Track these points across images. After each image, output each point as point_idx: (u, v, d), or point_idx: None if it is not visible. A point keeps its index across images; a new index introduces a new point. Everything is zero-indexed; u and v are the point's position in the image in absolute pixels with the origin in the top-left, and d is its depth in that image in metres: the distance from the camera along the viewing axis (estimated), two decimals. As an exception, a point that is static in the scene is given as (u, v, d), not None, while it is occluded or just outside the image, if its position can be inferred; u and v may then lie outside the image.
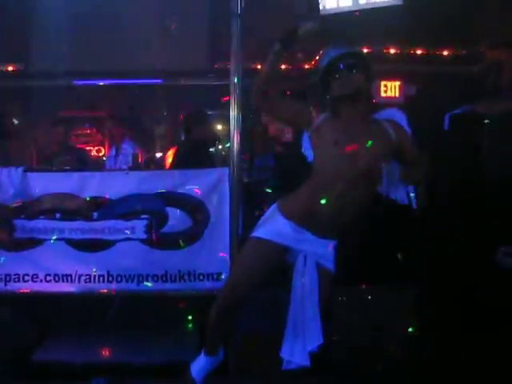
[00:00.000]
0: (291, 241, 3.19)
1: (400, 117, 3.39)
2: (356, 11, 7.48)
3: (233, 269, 3.50)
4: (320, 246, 3.21)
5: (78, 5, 8.15)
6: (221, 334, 3.47)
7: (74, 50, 8.26)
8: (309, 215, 3.16)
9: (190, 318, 4.64)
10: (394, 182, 3.38)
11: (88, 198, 4.50)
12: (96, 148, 9.24)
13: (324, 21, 7.45)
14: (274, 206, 3.32)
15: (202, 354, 3.46)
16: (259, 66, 8.08)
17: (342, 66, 3.23)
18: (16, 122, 9.20)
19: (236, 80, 3.80)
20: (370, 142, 3.16)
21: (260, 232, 3.24)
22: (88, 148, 9.10)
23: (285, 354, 3.18)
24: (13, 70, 8.82)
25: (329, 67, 3.27)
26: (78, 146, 8.54)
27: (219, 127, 9.39)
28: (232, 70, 3.83)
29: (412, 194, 3.41)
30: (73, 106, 9.06)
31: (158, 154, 9.43)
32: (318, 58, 3.38)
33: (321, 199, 3.12)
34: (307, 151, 3.37)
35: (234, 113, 3.87)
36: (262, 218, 3.33)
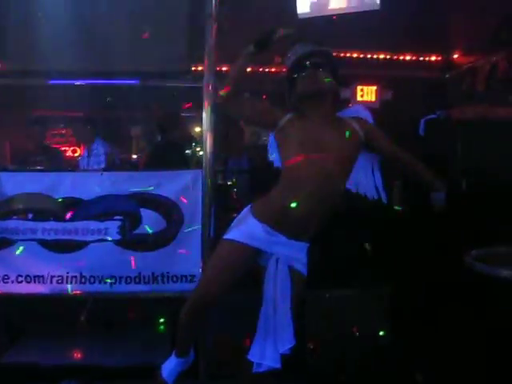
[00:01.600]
0: (264, 243, 3.18)
1: (365, 113, 3.41)
2: (333, 15, 7.48)
3: (205, 271, 3.49)
4: (292, 249, 3.20)
5: (55, 4, 8.09)
6: (192, 336, 3.46)
7: (49, 49, 8.19)
8: (281, 217, 3.15)
9: (162, 319, 4.61)
10: (366, 177, 3.43)
11: (61, 199, 4.47)
12: (71, 148, 9.19)
13: (300, 25, 7.47)
14: (246, 209, 3.30)
15: (173, 356, 3.44)
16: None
17: (308, 63, 3.23)
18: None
19: (209, 81, 3.79)
20: (336, 141, 3.16)
21: (233, 234, 3.22)
22: (63, 148, 9.04)
23: (254, 356, 3.16)
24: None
25: (295, 65, 3.27)
26: (54, 145, 8.45)
27: (197, 129, 9.38)
28: (205, 71, 3.82)
29: (381, 190, 3.44)
30: (48, 106, 8.97)
31: (134, 156, 9.39)
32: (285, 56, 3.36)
33: (291, 201, 3.11)
34: (272, 155, 3.36)
35: (206, 114, 3.86)
36: (235, 220, 3.31)
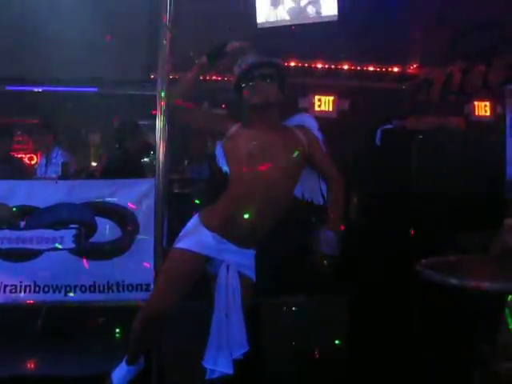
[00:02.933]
0: (214, 251, 3.21)
1: (310, 122, 3.44)
2: (292, 26, 7.55)
3: (157, 280, 3.49)
4: (241, 256, 3.25)
5: (12, 9, 8.00)
6: (144, 344, 3.46)
7: (7, 55, 8.10)
8: (228, 226, 3.19)
9: (118, 328, 4.58)
10: (310, 183, 3.45)
11: (16, 207, 4.42)
12: (28, 156, 9.08)
13: (260, 34, 7.52)
14: (195, 217, 3.34)
15: (124, 363, 3.43)
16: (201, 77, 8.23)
17: (256, 74, 3.26)
18: None
19: (162, 90, 3.79)
20: (281, 150, 3.21)
21: (182, 243, 3.24)
22: (20, 156, 8.93)
23: (208, 363, 3.18)
24: None
25: (243, 74, 3.30)
26: (11, 153, 8.33)
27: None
28: (159, 80, 3.82)
29: (325, 193, 3.46)
30: (5, 113, 8.86)
31: (93, 163, 9.32)
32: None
33: (238, 210, 3.15)
34: (221, 162, 3.38)
35: (160, 123, 3.85)
36: (184, 229, 3.33)
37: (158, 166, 3.90)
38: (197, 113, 3.48)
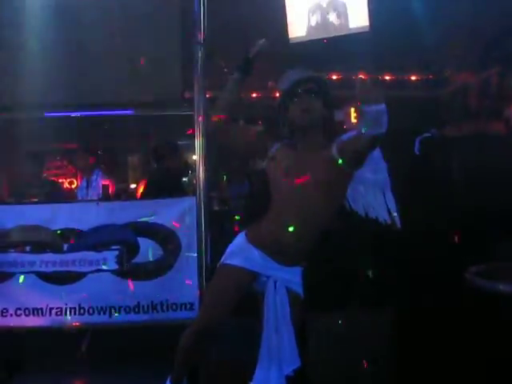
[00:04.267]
0: (260, 267, 3.18)
1: None
2: (324, 39, 7.54)
3: (205, 297, 3.48)
4: (288, 273, 3.21)
5: (46, 36, 8.14)
6: (190, 363, 3.44)
7: (44, 82, 8.23)
8: (273, 244, 3.16)
9: (163, 348, 4.57)
10: (375, 199, 3.37)
11: (59, 230, 4.47)
12: (68, 180, 9.19)
13: (295, 49, 7.54)
14: (241, 234, 3.32)
15: (169, 382, 3.41)
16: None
17: (300, 89, 3.22)
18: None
19: (199, 108, 3.79)
20: (317, 167, 3.13)
21: (230, 259, 3.23)
22: (60, 180, 9.05)
23: (258, 381, 3.14)
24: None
25: (288, 91, 3.25)
26: (51, 178, 8.46)
27: (194, 157, 9.39)
28: (196, 98, 3.82)
29: (395, 214, 3.36)
30: (44, 139, 9.00)
31: (132, 185, 9.39)
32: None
33: (280, 229, 3.13)
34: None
35: (198, 141, 3.85)
36: (230, 246, 3.31)
37: (199, 184, 3.90)
38: (239, 132, 3.45)
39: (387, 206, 3.37)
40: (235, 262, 3.21)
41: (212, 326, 3.25)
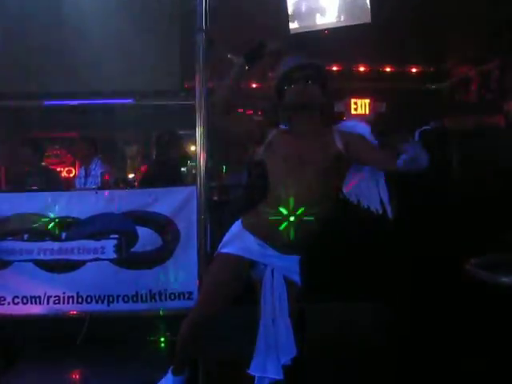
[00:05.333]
0: (257, 255, 3.17)
1: (362, 128, 3.35)
2: (325, 30, 7.52)
3: (203, 286, 3.46)
4: (286, 261, 3.19)
5: (46, 25, 8.11)
6: (191, 352, 3.43)
7: (44, 70, 8.21)
8: (270, 232, 3.14)
9: (161, 338, 4.57)
10: (368, 188, 3.36)
11: (57, 218, 4.45)
12: (66, 169, 9.16)
13: (293, 39, 7.51)
14: (238, 222, 3.29)
15: (170, 374, 3.41)
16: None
17: (297, 75, 3.20)
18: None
19: (201, 99, 3.77)
20: (316, 154, 3.13)
21: (227, 248, 3.21)
22: (58, 169, 9.02)
23: (255, 370, 3.13)
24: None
25: (285, 77, 3.24)
26: (50, 167, 8.42)
27: (192, 147, 9.39)
28: (197, 86, 3.79)
29: (387, 204, 3.34)
30: (43, 127, 8.98)
31: (131, 175, 9.37)
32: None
33: (277, 215, 3.11)
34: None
35: (199, 131, 3.83)
36: (227, 234, 3.29)
37: (199, 174, 3.88)
38: (236, 117, 3.44)
39: (380, 195, 3.31)
40: (232, 250, 3.19)
41: (210, 315, 3.24)
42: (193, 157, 7.53)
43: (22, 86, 8.28)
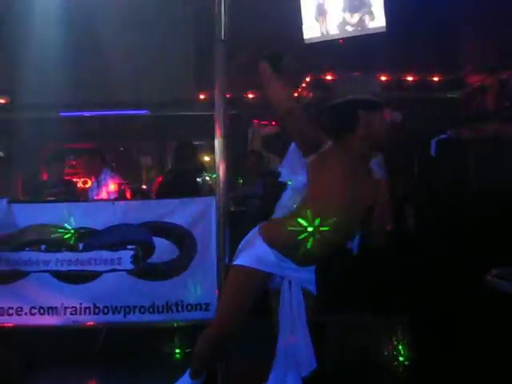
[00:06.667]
0: (275, 268, 3.13)
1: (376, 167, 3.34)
2: (340, 39, 7.52)
3: (220, 300, 3.43)
4: (302, 272, 3.16)
5: (64, 37, 8.17)
6: (209, 363, 3.41)
7: (60, 82, 8.26)
8: (292, 246, 3.08)
9: (177, 349, 4.56)
10: None
11: (74, 229, 4.45)
12: (82, 180, 9.19)
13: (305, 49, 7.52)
14: (254, 231, 3.24)
15: (187, 376, 3.38)
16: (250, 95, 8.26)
17: (378, 102, 3.14)
18: (1, 154, 9.21)
19: (220, 109, 3.76)
20: (365, 183, 3.10)
21: (243, 260, 3.16)
22: (74, 180, 9.05)
23: (275, 383, 3.11)
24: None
25: (360, 101, 3.13)
26: (66, 178, 8.48)
27: (206, 157, 9.42)
28: (217, 96, 3.78)
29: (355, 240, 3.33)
30: (60, 138, 9.02)
31: (144, 186, 9.39)
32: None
33: (308, 232, 3.05)
34: (285, 170, 3.29)
35: (218, 141, 3.82)
36: (243, 243, 3.24)
37: (218, 184, 3.86)
38: (306, 121, 3.17)
39: None
40: (249, 262, 3.13)
41: (228, 330, 3.21)
42: (209, 167, 7.57)
43: (37, 97, 8.34)
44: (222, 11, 3.66)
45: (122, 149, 10.04)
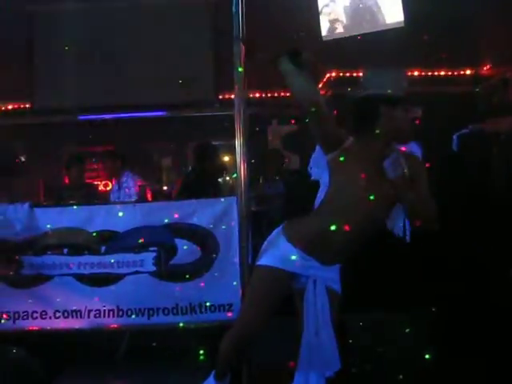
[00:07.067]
0: (299, 268, 3.10)
1: (417, 151, 3.27)
2: (358, 36, 7.47)
3: (244, 301, 3.41)
4: (327, 271, 3.13)
5: (82, 41, 8.22)
6: (233, 363, 3.39)
7: (78, 85, 8.31)
8: (317, 244, 3.06)
9: (202, 350, 4.54)
10: (395, 213, 3.26)
11: (95, 232, 4.46)
12: (103, 182, 9.23)
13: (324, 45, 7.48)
14: (278, 230, 3.22)
15: (212, 378, 3.37)
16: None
17: (403, 100, 3.11)
18: (23, 159, 9.27)
19: (240, 109, 3.74)
20: (386, 178, 3.01)
21: (266, 260, 3.14)
22: (96, 183, 9.10)
23: (299, 382, 3.09)
24: (18, 108, 8.89)
25: (382, 97, 3.09)
26: (87, 181, 8.53)
27: (226, 158, 9.41)
28: (236, 96, 3.76)
29: (407, 228, 3.27)
30: (81, 142, 9.08)
31: (165, 187, 9.41)
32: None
33: (331, 230, 3.02)
34: (315, 169, 3.25)
35: (239, 141, 3.80)
36: (266, 243, 3.22)
37: (240, 184, 3.84)
38: (329, 115, 3.13)
39: (404, 224, 3.21)
40: (272, 262, 3.12)
41: (252, 330, 3.19)
42: (228, 167, 7.56)
43: (57, 100, 8.40)
44: (240, 9, 3.65)
45: (143, 151, 10.04)
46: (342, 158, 3.05)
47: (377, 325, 4.38)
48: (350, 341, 4.08)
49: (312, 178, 3.29)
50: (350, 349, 4.06)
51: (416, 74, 7.58)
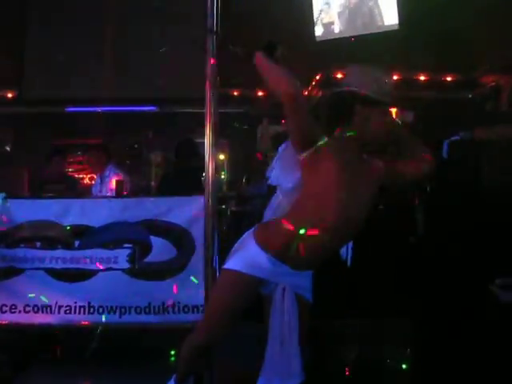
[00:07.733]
0: (268, 273, 2.94)
1: None
2: (352, 37, 7.40)
3: (208, 305, 3.29)
4: (298, 277, 2.98)
5: (74, 32, 8.14)
6: (193, 368, 3.27)
7: (67, 76, 8.23)
8: (288, 249, 2.88)
9: (173, 351, 4.45)
10: None
11: (70, 226, 4.37)
12: (89, 176, 9.12)
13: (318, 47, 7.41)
14: (248, 234, 3.05)
15: (173, 382, 3.25)
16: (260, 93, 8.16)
17: (387, 101, 2.96)
18: (8, 148, 9.18)
19: (211, 104, 3.65)
20: (365, 181, 2.93)
21: (235, 264, 2.97)
22: (81, 176, 9.00)
23: None
24: (6, 97, 8.79)
25: (371, 98, 2.92)
26: (71, 173, 8.43)
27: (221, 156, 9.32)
28: (207, 94, 3.68)
29: (350, 250, 3.19)
30: (67, 134, 8.99)
31: (153, 183, 9.32)
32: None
33: (305, 235, 2.86)
34: (276, 171, 3.15)
35: (208, 140, 3.70)
36: (237, 244, 3.07)
37: (208, 183, 3.74)
38: (306, 109, 2.94)
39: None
40: (240, 267, 2.94)
41: (214, 337, 3.07)
42: (217, 165, 7.46)
43: (46, 92, 8.31)
44: (214, 1, 3.56)
45: (135, 146, 9.95)
46: (316, 157, 2.88)
47: (353, 333, 4.30)
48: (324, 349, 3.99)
49: (269, 182, 3.18)
50: (325, 356, 4.00)
51: (407, 77, 7.50)
